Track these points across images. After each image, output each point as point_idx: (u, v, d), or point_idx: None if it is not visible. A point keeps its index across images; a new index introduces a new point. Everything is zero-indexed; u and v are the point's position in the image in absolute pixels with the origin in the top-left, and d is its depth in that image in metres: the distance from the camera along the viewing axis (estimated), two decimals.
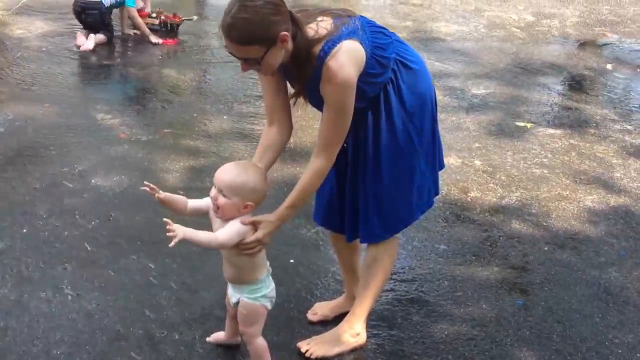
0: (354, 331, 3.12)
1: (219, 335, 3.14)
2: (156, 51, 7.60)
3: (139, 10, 8.08)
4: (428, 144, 2.91)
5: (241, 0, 2.45)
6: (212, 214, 2.72)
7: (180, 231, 2.43)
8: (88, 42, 7.40)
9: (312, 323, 3.30)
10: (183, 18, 8.34)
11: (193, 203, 2.76)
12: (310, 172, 2.73)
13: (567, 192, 4.79)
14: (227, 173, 2.61)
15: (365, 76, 2.60)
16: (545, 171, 5.13)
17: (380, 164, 2.82)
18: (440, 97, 6.57)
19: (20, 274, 3.51)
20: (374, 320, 3.34)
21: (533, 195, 4.73)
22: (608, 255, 4.05)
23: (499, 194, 4.73)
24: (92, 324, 3.19)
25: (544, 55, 8.20)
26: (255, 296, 2.77)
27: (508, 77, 7.42)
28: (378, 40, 2.66)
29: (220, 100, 6.28)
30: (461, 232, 4.22)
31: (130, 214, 4.19)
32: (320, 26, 2.57)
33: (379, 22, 2.78)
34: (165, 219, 2.44)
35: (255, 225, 2.65)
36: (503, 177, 4.97)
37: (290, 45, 2.52)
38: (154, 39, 7.77)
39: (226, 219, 2.63)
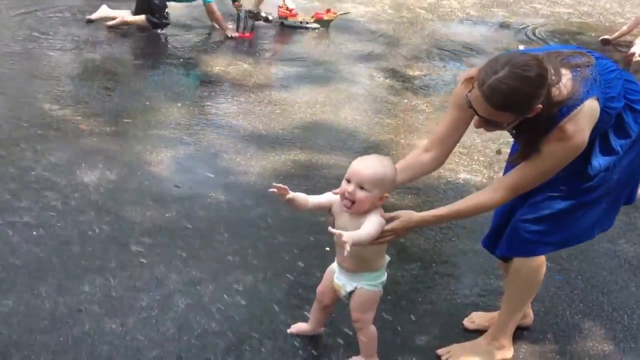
0: (498, 343, 2.99)
1: (301, 327, 3.06)
2: (88, 36, 7.19)
3: (290, 10, 8.24)
4: (623, 181, 2.74)
5: (514, 65, 2.32)
6: (336, 208, 2.66)
7: (349, 238, 2.41)
8: (98, 11, 7.58)
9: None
10: (339, 13, 8.39)
11: (314, 199, 2.71)
12: (479, 202, 2.66)
13: None
14: (368, 167, 2.55)
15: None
16: None
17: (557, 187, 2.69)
18: (382, 79, 6.71)
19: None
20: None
21: None
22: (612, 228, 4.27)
23: (485, 175, 4.85)
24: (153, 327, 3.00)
25: (458, 37, 8.46)
26: (376, 283, 2.76)
27: (436, 59, 7.60)
28: (610, 91, 2.52)
29: (167, 86, 6.03)
30: None
31: (133, 209, 3.95)
32: (562, 84, 2.42)
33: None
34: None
35: (392, 218, 2.62)
36: (482, 158, 5.10)
37: (540, 108, 2.40)
38: (230, 32, 7.65)
39: (360, 213, 2.57)
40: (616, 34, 8.59)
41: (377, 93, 6.41)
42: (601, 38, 8.61)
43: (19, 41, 6.83)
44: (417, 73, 7.08)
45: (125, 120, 5.25)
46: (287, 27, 8.18)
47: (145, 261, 3.47)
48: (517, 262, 2.85)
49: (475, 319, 3.26)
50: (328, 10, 8.37)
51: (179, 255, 3.54)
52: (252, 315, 3.15)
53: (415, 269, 3.64)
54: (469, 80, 2.49)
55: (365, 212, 2.57)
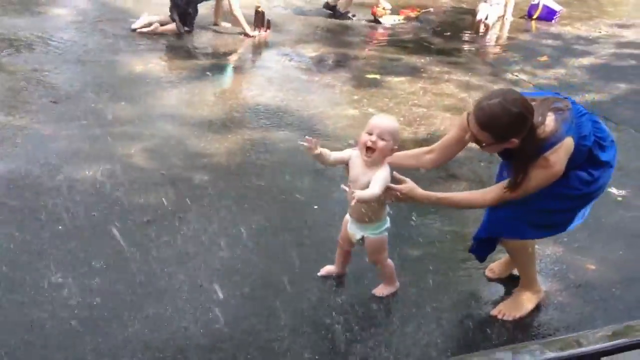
0: (533, 290, 3.60)
1: (329, 269, 3.78)
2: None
3: (386, 10, 9.25)
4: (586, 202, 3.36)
5: (505, 99, 2.93)
6: (353, 161, 3.30)
7: (358, 195, 3.09)
8: (138, 21, 7.95)
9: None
10: (422, 10, 9.61)
11: (336, 154, 3.36)
12: (472, 199, 3.34)
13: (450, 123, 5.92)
14: (386, 121, 3.30)
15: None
16: (425, 110, 6.30)
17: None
18: (288, 62, 7.50)
19: None
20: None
21: (434, 129, 5.87)
22: None
23: (410, 131, 5.78)
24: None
25: (331, 23, 9.42)
26: (380, 230, 3.45)
27: (321, 40, 8.54)
28: (582, 131, 3.11)
29: (105, 88, 6.38)
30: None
31: (138, 196, 4.51)
32: (546, 124, 3.02)
33: None
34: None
35: (401, 181, 3.23)
36: (401, 118, 6.01)
37: (517, 142, 3.00)
38: (251, 32, 8.10)
39: (374, 162, 3.21)
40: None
41: (290, 74, 7.21)
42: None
43: None
44: (313, 54, 7.94)
45: (82, 122, 5.62)
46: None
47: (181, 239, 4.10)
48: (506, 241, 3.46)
49: (495, 269, 3.90)
50: (413, 9, 9.59)
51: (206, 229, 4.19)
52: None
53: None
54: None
55: (377, 163, 3.21)
